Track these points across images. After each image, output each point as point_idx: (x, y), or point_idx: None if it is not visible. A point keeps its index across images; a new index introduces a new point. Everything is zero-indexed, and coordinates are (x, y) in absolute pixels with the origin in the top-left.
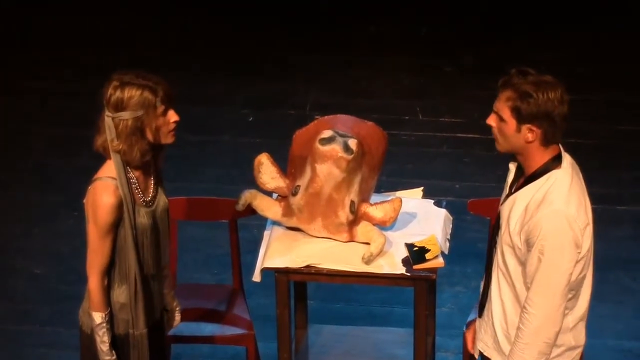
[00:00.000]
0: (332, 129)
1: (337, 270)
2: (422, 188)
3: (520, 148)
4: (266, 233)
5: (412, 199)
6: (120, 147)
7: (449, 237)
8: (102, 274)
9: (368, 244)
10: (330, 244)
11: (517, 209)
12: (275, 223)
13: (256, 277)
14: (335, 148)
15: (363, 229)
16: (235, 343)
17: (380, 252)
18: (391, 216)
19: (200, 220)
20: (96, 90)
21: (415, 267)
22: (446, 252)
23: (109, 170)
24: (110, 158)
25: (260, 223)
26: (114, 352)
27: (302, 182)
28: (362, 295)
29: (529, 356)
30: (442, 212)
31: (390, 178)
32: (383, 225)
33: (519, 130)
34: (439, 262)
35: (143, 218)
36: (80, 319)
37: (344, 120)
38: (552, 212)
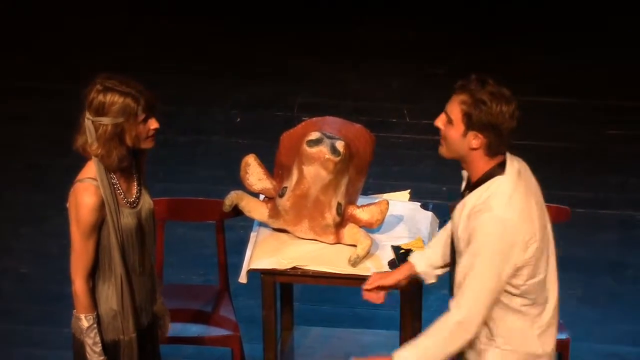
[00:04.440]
0: (319, 130)
1: (323, 272)
2: (409, 190)
3: (464, 155)
4: (253, 234)
5: (399, 202)
6: (99, 151)
7: None
8: (87, 276)
9: (354, 246)
10: (316, 246)
11: (463, 215)
12: (262, 224)
13: (242, 278)
14: (323, 150)
15: (350, 231)
16: (221, 344)
17: (367, 255)
18: (378, 218)
19: (187, 220)
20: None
21: None
22: None
23: (90, 171)
24: (90, 159)
25: (247, 224)
26: (104, 356)
27: (289, 183)
28: (348, 297)
29: (423, 353)
30: (429, 215)
31: (377, 180)
32: (370, 228)
33: (465, 135)
34: None
35: (127, 218)
36: (73, 325)
37: (332, 122)
38: (489, 218)
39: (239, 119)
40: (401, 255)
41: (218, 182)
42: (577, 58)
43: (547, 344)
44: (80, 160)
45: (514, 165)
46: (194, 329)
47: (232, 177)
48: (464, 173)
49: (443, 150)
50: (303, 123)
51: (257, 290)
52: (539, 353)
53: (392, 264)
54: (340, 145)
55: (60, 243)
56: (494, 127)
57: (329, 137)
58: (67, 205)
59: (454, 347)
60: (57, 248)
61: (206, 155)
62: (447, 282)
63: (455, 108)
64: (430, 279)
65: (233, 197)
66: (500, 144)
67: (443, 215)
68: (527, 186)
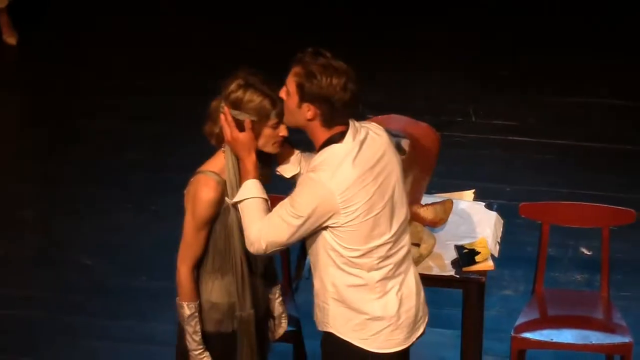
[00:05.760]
0: (385, 128)
1: None
2: (473, 190)
3: (302, 125)
4: None
5: (463, 201)
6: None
7: (499, 240)
8: (193, 265)
9: (418, 245)
10: None
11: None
12: None
13: (305, 274)
14: None
15: (413, 230)
16: (283, 340)
17: (430, 254)
18: (442, 217)
19: None
20: (151, 85)
21: (465, 269)
22: (496, 255)
23: (214, 164)
24: (216, 145)
25: None
26: (204, 346)
27: None
28: None
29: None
30: (493, 215)
31: (442, 179)
32: (433, 227)
33: (299, 106)
34: (489, 265)
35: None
36: (177, 311)
37: (397, 120)
38: (310, 177)
39: None
40: (464, 255)
41: (283, 178)
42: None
43: (390, 308)
44: (142, 155)
45: (359, 136)
46: None
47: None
48: None
49: (285, 120)
50: (368, 121)
51: None
52: (379, 315)
53: (455, 264)
54: (405, 143)
55: (123, 236)
56: (325, 99)
57: (395, 135)
58: (185, 192)
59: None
60: (120, 241)
61: None
62: (509, 283)
63: (290, 79)
64: (286, 170)
65: None
66: (334, 116)
67: (507, 216)
68: (367, 158)
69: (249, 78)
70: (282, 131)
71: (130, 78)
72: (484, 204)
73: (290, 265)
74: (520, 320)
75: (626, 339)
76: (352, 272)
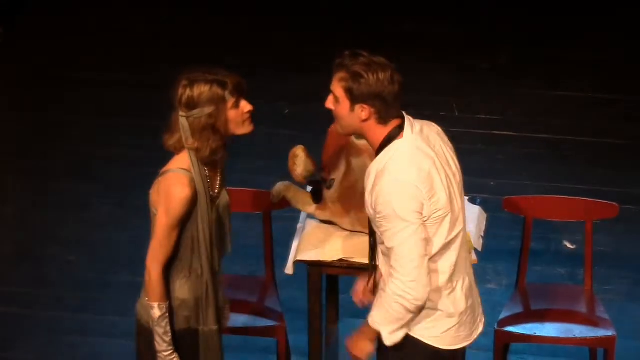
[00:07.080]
0: None
1: None
2: None
3: (358, 128)
4: (299, 226)
5: None
6: (195, 145)
7: (482, 234)
8: (164, 265)
9: None
10: (363, 238)
11: (369, 182)
12: (309, 216)
13: (289, 269)
14: None
15: None
16: (266, 335)
17: None
18: None
19: (234, 211)
20: (132, 80)
21: None
22: (479, 249)
23: (181, 162)
24: (175, 152)
25: (294, 215)
26: (173, 347)
27: (337, 175)
28: None
29: (381, 319)
30: (477, 209)
31: None
32: None
33: (352, 109)
34: (472, 259)
35: (210, 213)
36: (138, 312)
37: None
38: (389, 181)
39: (287, 111)
40: None
41: (265, 173)
42: (622, 54)
43: (459, 304)
44: (124, 149)
45: (415, 128)
46: (240, 320)
47: (279, 168)
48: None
49: (339, 129)
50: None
51: (303, 282)
52: (451, 311)
53: None
54: None
55: (105, 231)
56: (377, 96)
57: None
58: (151, 192)
59: (409, 316)
60: (102, 236)
61: (253, 146)
62: (493, 277)
63: (337, 86)
64: None
65: (280, 189)
66: (388, 110)
67: (491, 210)
68: (428, 147)
69: (190, 75)
70: (246, 107)
71: (113, 71)
72: (467, 198)
73: (274, 260)
74: (504, 314)
75: (609, 333)
76: (431, 267)
